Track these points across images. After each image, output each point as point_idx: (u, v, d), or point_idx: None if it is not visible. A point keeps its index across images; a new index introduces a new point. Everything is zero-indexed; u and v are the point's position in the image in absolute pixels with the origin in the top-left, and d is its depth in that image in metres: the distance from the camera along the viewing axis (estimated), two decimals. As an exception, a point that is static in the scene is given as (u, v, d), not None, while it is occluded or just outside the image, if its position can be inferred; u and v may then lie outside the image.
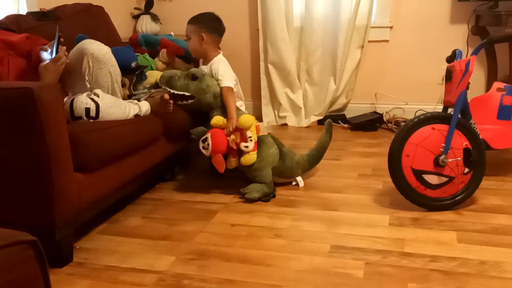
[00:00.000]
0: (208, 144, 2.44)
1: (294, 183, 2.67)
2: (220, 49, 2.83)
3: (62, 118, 1.83)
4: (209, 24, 2.77)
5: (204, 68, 2.75)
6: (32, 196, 1.83)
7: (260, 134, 2.53)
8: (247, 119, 2.43)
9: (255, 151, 2.47)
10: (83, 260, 1.99)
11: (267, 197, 2.49)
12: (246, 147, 2.43)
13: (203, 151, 2.47)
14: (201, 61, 2.86)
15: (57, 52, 2.12)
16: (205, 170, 2.95)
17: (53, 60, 2.11)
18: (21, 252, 1.03)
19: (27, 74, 2.20)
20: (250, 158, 2.46)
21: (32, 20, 2.62)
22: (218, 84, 2.63)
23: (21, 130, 1.76)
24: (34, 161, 1.78)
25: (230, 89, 2.63)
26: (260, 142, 2.51)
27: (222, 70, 2.67)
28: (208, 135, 2.45)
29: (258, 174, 2.50)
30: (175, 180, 2.84)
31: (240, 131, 2.45)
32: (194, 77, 2.56)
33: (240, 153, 2.47)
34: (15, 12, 2.92)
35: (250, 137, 2.44)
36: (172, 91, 2.56)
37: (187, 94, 2.57)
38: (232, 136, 2.46)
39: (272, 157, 2.52)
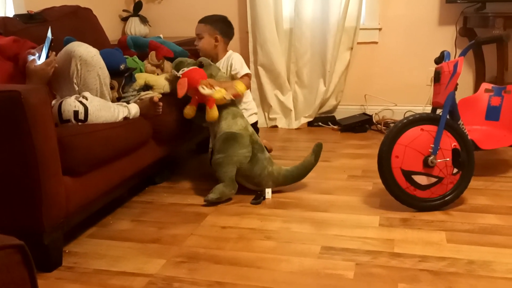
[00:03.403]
0: (183, 70, 2.58)
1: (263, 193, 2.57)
2: (228, 49, 2.96)
3: (50, 122, 1.81)
4: (223, 27, 2.89)
5: (219, 64, 2.86)
6: (20, 200, 1.81)
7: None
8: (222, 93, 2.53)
9: (213, 108, 2.49)
10: (73, 264, 1.98)
11: (257, 200, 2.48)
12: (203, 88, 2.48)
13: (177, 73, 2.62)
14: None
15: (48, 55, 2.11)
16: (195, 173, 2.95)
17: (45, 64, 2.10)
18: (8, 257, 1.02)
19: (14, 77, 2.18)
20: (210, 114, 2.50)
21: (19, 23, 2.60)
22: (236, 75, 2.77)
23: (9, 134, 1.74)
24: (22, 165, 1.76)
25: (249, 75, 2.80)
26: (232, 138, 2.49)
27: (240, 61, 2.83)
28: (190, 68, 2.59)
29: (218, 169, 2.49)
30: (165, 183, 2.83)
31: (211, 83, 2.53)
32: (200, 65, 2.65)
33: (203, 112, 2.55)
34: (2, 15, 2.90)
35: (215, 89, 2.49)
36: (178, 74, 2.64)
37: None
38: (204, 83, 2.52)
39: (238, 157, 2.48)
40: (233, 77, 2.79)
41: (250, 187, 2.58)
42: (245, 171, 2.51)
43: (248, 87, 2.80)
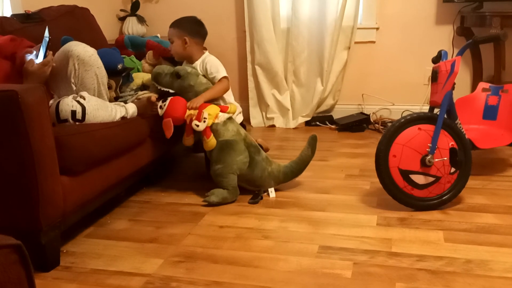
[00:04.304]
0: (165, 105, 2.49)
1: (266, 193, 2.59)
2: (205, 49, 2.84)
3: (47, 121, 1.81)
4: (192, 28, 2.77)
5: (195, 66, 2.76)
6: (17, 200, 1.81)
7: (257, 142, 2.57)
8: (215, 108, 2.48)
9: (211, 137, 2.45)
10: (70, 264, 1.97)
11: (255, 200, 2.48)
12: (197, 125, 2.43)
13: (159, 110, 2.51)
14: (185, 62, 2.86)
15: (45, 55, 2.10)
16: (192, 172, 2.94)
17: (42, 64, 2.09)
18: (5, 257, 1.02)
19: (11, 77, 2.18)
20: (208, 144, 2.46)
21: (16, 22, 2.60)
22: (213, 79, 2.67)
23: (6, 133, 1.74)
24: (19, 164, 1.76)
25: (226, 78, 2.69)
26: (227, 147, 2.45)
27: (215, 65, 2.72)
28: (169, 98, 2.51)
29: (220, 179, 2.47)
30: (162, 182, 2.83)
31: (200, 111, 2.46)
32: (178, 76, 2.56)
33: (198, 137, 2.51)
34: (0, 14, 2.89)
35: (205, 118, 2.43)
36: (159, 87, 2.59)
37: (171, 91, 2.59)
38: (192, 111, 2.48)
39: (238, 165, 2.46)
40: (211, 82, 2.71)
41: (252, 189, 2.57)
42: (245, 176, 2.51)
43: (227, 89, 2.70)
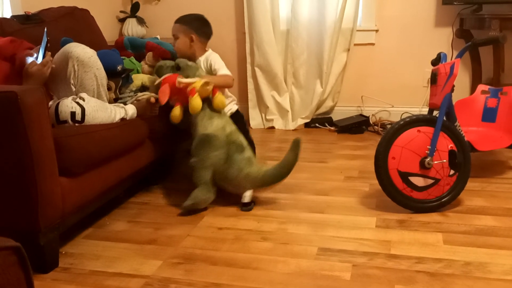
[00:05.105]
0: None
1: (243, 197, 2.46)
2: (207, 48, 2.83)
3: (47, 122, 1.81)
4: (199, 27, 2.77)
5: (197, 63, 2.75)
6: (16, 201, 1.81)
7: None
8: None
9: (196, 95, 2.38)
10: (69, 265, 1.97)
11: (248, 207, 2.43)
12: (180, 81, 2.41)
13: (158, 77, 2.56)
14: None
15: (44, 56, 2.10)
16: (191, 173, 2.93)
17: (41, 64, 2.09)
18: (4, 258, 1.02)
19: (10, 78, 2.18)
20: (192, 103, 2.38)
21: (16, 24, 2.60)
22: (215, 72, 2.65)
23: (5, 134, 1.74)
24: (18, 165, 1.76)
25: (227, 75, 2.67)
26: (205, 140, 2.40)
27: (219, 62, 2.71)
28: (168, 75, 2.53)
29: (193, 174, 2.42)
30: (161, 184, 2.83)
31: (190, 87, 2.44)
32: (178, 67, 2.56)
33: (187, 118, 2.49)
34: (-1, 15, 2.89)
35: (191, 81, 2.41)
36: (157, 82, 2.59)
37: None
38: (182, 82, 2.44)
39: (212, 160, 2.38)
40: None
41: (231, 191, 2.47)
42: (221, 174, 2.41)
43: (229, 84, 2.66)
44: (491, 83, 3.34)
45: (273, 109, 3.99)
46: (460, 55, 2.42)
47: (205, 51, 2.81)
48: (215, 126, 2.44)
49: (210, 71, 2.70)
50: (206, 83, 2.42)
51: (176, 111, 2.49)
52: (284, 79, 3.94)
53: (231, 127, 2.48)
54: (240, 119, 2.77)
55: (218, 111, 2.49)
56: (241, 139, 2.48)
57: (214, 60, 2.72)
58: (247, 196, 2.43)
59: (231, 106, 2.80)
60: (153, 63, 2.92)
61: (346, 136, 3.68)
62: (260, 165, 2.45)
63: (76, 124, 2.13)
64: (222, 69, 2.69)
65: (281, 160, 2.39)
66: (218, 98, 2.46)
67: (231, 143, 2.42)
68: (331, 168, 2.99)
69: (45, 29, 2.18)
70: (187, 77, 2.52)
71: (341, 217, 2.31)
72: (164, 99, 2.45)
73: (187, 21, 2.77)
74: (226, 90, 2.79)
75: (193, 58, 2.77)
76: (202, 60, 2.75)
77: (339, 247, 2.03)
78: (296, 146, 2.36)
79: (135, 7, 4.13)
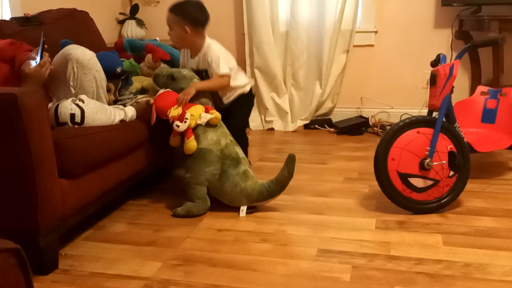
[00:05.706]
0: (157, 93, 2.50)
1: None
2: (205, 35, 2.70)
3: (46, 124, 1.81)
4: (193, 16, 2.61)
5: (193, 62, 2.67)
6: (15, 202, 1.81)
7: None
8: (199, 109, 2.40)
9: (191, 138, 2.36)
10: (68, 267, 1.97)
11: (251, 209, 2.41)
12: (178, 126, 2.36)
13: (156, 87, 2.55)
14: (183, 50, 2.77)
15: (41, 57, 2.10)
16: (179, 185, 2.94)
17: (38, 65, 2.09)
18: (4, 260, 1.02)
19: (10, 80, 2.18)
20: (188, 145, 2.36)
21: (16, 26, 2.60)
22: (213, 73, 2.56)
23: (4, 136, 1.74)
24: (18, 167, 1.76)
25: (227, 76, 2.57)
26: (199, 156, 2.37)
27: (215, 58, 2.58)
28: (164, 90, 2.50)
29: (187, 190, 2.40)
30: (161, 185, 2.83)
31: (183, 111, 2.39)
32: (172, 78, 2.53)
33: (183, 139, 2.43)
34: (-1, 17, 2.89)
35: (187, 119, 2.36)
36: (157, 88, 2.57)
37: None
38: (175, 113, 2.39)
39: (205, 176, 2.36)
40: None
41: (227, 203, 2.45)
42: (215, 189, 2.41)
43: (225, 86, 2.58)
44: (490, 84, 3.34)
45: (272, 111, 4.00)
46: (459, 56, 2.43)
47: (204, 37, 2.65)
48: (210, 140, 2.39)
49: (209, 68, 2.61)
50: (200, 118, 2.39)
51: (175, 141, 2.45)
52: (284, 81, 3.94)
53: (226, 140, 2.43)
54: (249, 100, 2.73)
55: (213, 126, 2.44)
56: (237, 150, 2.44)
57: (211, 57, 2.58)
58: (244, 210, 2.40)
59: (241, 90, 2.71)
60: (152, 65, 2.92)
61: (345, 138, 3.68)
62: (255, 179, 2.41)
63: (76, 126, 2.13)
64: (218, 69, 2.56)
65: (276, 176, 2.36)
66: (189, 144, 2.37)
67: (226, 158, 2.39)
68: (331, 170, 2.99)
69: (42, 33, 2.19)
70: (181, 89, 2.47)
71: (340, 219, 2.31)
72: (152, 120, 2.43)
73: (180, 12, 2.62)
74: (238, 78, 2.69)
75: (194, 47, 2.66)
76: (200, 57, 2.66)
77: (339, 249, 2.03)
78: (290, 161, 2.34)
79: (135, 9, 4.13)
